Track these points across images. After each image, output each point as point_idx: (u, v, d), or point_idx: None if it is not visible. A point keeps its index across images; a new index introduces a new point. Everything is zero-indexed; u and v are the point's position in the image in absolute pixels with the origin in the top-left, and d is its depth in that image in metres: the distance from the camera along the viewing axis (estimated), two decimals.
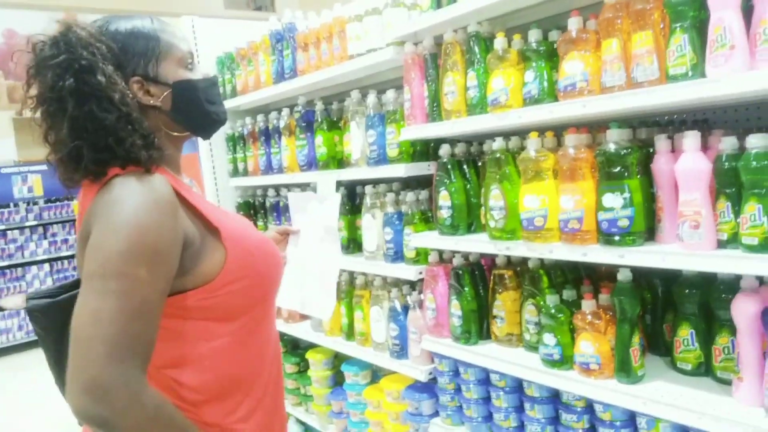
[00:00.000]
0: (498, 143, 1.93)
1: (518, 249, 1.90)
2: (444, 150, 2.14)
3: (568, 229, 1.74)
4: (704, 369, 1.71)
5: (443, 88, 2.07)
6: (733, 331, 1.61)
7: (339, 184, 2.64)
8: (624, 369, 1.72)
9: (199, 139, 3.32)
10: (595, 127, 1.84)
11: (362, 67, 2.38)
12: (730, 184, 1.47)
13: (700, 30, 1.46)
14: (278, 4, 9.73)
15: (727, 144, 1.49)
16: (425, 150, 2.37)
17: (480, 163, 2.14)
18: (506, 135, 1.97)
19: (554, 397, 1.99)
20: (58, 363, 1.24)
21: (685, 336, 1.73)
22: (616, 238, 1.64)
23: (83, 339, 0.95)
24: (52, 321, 1.24)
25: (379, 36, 2.31)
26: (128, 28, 1.18)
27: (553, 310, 1.89)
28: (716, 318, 1.66)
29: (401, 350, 2.47)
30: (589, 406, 1.88)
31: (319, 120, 2.72)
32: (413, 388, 2.45)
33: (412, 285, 2.54)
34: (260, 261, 1.25)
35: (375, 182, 2.56)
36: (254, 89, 3.06)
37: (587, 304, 1.80)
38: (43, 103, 1.10)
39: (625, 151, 1.62)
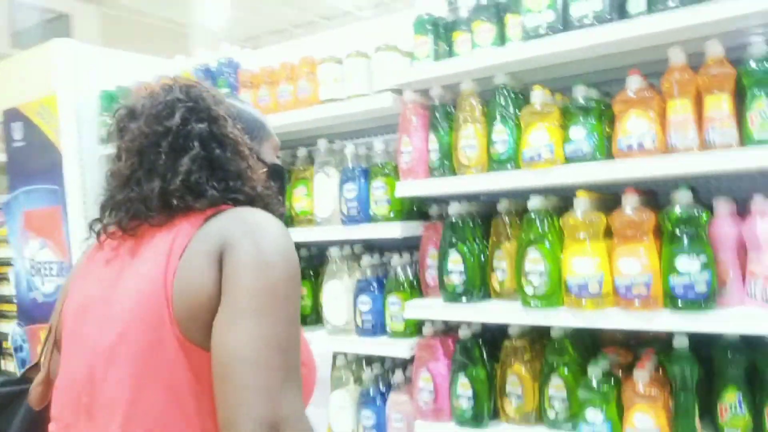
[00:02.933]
0: (537, 201, 1.78)
1: (560, 317, 1.74)
2: (455, 208, 1.93)
3: (632, 295, 1.63)
4: None
5: (460, 140, 1.88)
6: None
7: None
8: None
9: (67, 190, 2.71)
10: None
11: (342, 113, 2.09)
12: None
13: None
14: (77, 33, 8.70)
15: None
16: (411, 209, 2.13)
17: (489, 223, 1.97)
18: (540, 193, 1.83)
19: None
20: None
21: (732, 401, 1.69)
22: (692, 303, 1.57)
23: (257, 366, 0.84)
24: None
25: (364, 81, 2.06)
26: (238, 106, 1.21)
27: (595, 383, 1.74)
28: (766, 382, 1.66)
29: None
30: None
31: None
32: None
33: (383, 362, 2.22)
34: (309, 354, 1.15)
35: (344, 243, 2.23)
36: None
37: (641, 374, 1.69)
38: (155, 140, 1.02)
39: (697, 213, 1.59)
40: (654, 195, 1.96)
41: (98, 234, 1.07)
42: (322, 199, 2.18)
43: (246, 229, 0.95)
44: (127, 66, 2.87)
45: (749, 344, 1.71)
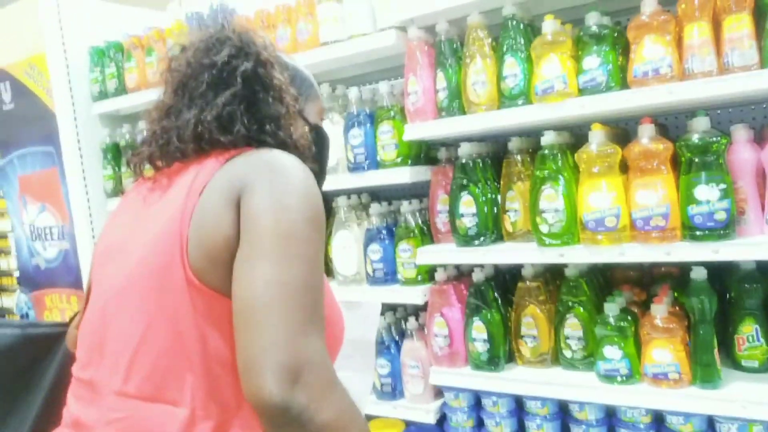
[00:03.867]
0: (550, 137, 1.73)
1: (577, 254, 1.71)
2: (465, 149, 1.88)
3: (649, 227, 1.60)
4: None
5: (469, 77, 1.82)
6: None
7: None
8: (710, 374, 1.61)
9: (64, 151, 2.64)
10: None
11: (345, 55, 2.01)
12: None
13: None
14: None
15: None
16: (419, 153, 2.07)
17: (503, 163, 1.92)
18: (553, 129, 1.78)
19: (608, 418, 1.82)
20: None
21: (750, 332, 1.68)
22: (711, 232, 1.54)
23: (274, 308, 0.80)
24: (10, 359, 1.21)
25: (367, 19, 1.99)
26: (291, 63, 1.20)
27: (612, 320, 1.72)
28: None
29: (393, 390, 2.10)
30: (656, 421, 1.74)
31: None
32: None
33: (394, 311, 2.20)
34: (339, 311, 1.10)
35: (351, 192, 2.18)
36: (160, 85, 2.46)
37: (659, 308, 1.67)
38: (199, 71, 1.01)
39: (715, 139, 1.54)
40: (665, 129, 1.92)
41: (135, 169, 1.06)
42: None
43: (267, 169, 0.92)
44: (115, 19, 2.77)
45: (765, 274, 1.69)
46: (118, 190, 2.72)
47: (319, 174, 1.21)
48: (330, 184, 2.10)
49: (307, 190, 0.92)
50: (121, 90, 2.65)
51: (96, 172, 2.74)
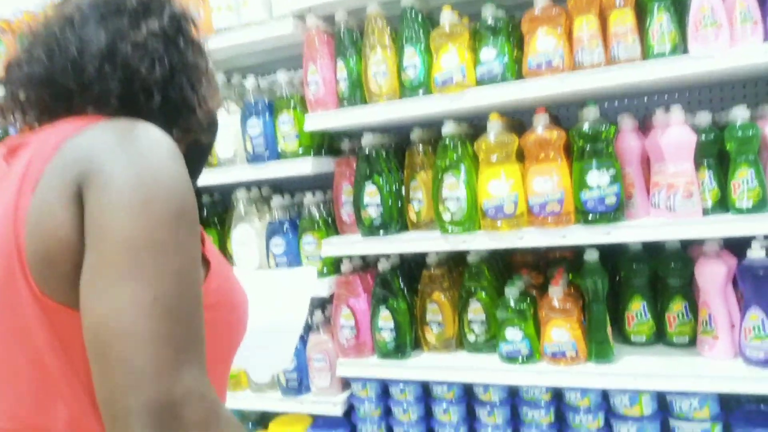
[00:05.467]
0: (451, 127, 1.76)
1: (478, 241, 1.75)
2: (368, 139, 1.87)
3: (545, 213, 1.66)
4: (656, 338, 1.80)
5: (369, 68, 1.81)
6: (686, 297, 1.74)
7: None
8: (604, 350, 1.71)
9: None
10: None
11: (240, 43, 1.93)
12: (710, 155, 1.58)
13: (676, 10, 1.56)
14: None
15: (702, 119, 1.60)
16: (322, 144, 2.04)
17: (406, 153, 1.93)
18: (453, 119, 1.80)
19: (511, 398, 1.88)
20: None
21: (638, 309, 1.80)
22: (602, 215, 1.62)
23: (141, 339, 0.63)
24: None
25: (262, 7, 1.92)
26: None
27: (512, 303, 1.78)
28: (667, 287, 1.77)
29: (299, 385, 2.06)
30: (556, 398, 1.82)
31: None
32: (321, 426, 2.07)
33: None
34: (238, 292, 0.90)
35: (250, 185, 2.11)
36: None
37: (556, 290, 1.74)
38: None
39: (604, 127, 1.62)
40: (557, 121, 2.00)
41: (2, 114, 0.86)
42: (222, 137, 2.03)
43: (118, 148, 0.71)
44: None
45: (651, 254, 1.80)
46: None
47: (203, 153, 1.05)
48: (228, 176, 2.02)
49: (172, 173, 0.71)
50: None
51: None
